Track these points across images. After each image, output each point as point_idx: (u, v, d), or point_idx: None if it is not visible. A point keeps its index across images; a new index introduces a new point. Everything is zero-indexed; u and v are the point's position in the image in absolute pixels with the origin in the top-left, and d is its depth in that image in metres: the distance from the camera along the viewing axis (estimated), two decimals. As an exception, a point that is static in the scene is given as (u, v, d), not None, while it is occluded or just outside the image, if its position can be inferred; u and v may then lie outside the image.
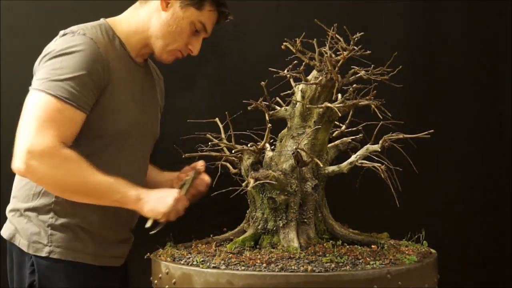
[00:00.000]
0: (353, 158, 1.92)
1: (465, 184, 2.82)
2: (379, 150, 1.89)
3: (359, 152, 1.93)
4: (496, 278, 2.83)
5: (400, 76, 1.93)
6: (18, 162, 1.88)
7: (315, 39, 1.84)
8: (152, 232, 1.96)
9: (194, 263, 1.75)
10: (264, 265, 1.66)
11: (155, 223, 1.97)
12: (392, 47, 2.28)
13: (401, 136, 1.89)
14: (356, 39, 1.87)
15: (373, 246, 1.86)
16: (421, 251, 1.86)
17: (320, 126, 1.91)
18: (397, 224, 2.20)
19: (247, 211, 1.99)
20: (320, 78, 1.90)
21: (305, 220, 1.90)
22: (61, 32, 2.02)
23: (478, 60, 2.81)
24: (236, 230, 2.02)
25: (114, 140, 2.02)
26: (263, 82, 1.89)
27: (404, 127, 1.96)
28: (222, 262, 1.71)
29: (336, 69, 1.85)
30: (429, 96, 2.79)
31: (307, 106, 1.91)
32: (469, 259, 2.80)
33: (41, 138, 1.85)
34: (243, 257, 1.75)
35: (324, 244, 1.84)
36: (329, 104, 1.87)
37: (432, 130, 1.85)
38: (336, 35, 1.88)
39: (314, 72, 1.94)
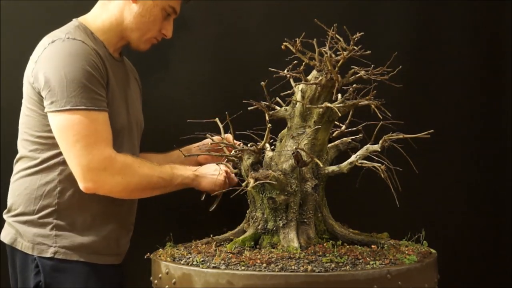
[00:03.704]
0: (353, 158, 1.92)
1: (465, 184, 2.81)
2: (379, 150, 1.89)
3: (359, 152, 1.93)
4: (496, 278, 2.83)
5: (400, 76, 1.93)
6: (85, 183, 1.94)
7: (315, 39, 1.84)
8: (213, 207, 2.14)
9: (194, 263, 1.75)
10: (264, 265, 1.66)
11: (209, 197, 2.13)
12: (392, 47, 2.28)
13: (401, 136, 1.88)
14: (356, 39, 1.87)
15: (373, 246, 1.86)
16: (421, 251, 1.86)
17: (320, 126, 1.91)
18: (397, 224, 2.20)
19: (247, 211, 1.99)
20: (320, 78, 1.90)
21: (305, 220, 1.90)
22: (49, 40, 2.00)
23: (479, 60, 2.80)
24: (236, 230, 2.01)
25: (118, 137, 2.05)
26: (263, 82, 1.89)
27: (404, 127, 1.96)
28: (222, 262, 1.71)
29: (336, 69, 1.85)
30: (429, 96, 2.79)
31: (307, 106, 1.91)
32: (469, 259, 2.79)
33: (94, 153, 1.91)
34: (243, 257, 1.74)
35: (324, 244, 1.84)
36: (329, 104, 1.86)
37: (432, 130, 1.85)
38: (336, 35, 1.87)
39: (314, 72, 1.93)
